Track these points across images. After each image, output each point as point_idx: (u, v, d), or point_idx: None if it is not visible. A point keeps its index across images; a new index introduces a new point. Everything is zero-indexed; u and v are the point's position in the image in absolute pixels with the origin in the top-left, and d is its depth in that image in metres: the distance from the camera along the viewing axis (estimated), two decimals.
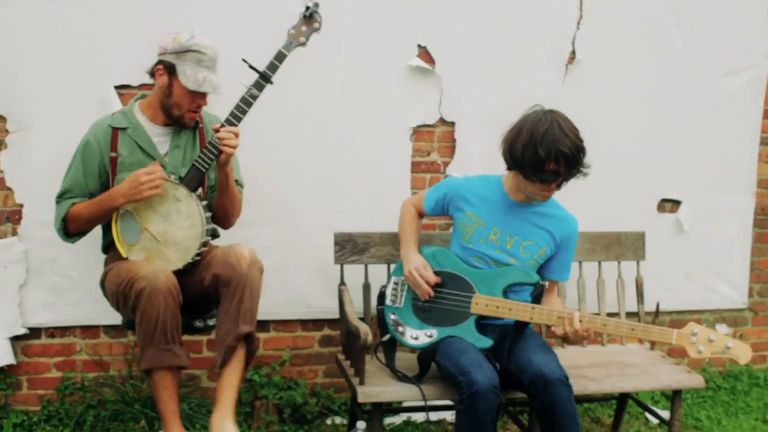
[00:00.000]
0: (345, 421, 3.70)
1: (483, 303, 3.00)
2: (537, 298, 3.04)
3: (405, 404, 3.71)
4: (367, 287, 3.42)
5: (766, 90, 4.22)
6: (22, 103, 3.40)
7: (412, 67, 3.74)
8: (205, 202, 3.02)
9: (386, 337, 3.12)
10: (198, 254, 3.00)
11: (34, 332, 3.54)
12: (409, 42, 3.75)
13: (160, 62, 3.00)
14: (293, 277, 3.72)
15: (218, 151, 2.96)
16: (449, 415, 3.80)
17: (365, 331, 2.93)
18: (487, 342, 2.97)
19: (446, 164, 3.88)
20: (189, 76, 2.93)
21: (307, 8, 3.03)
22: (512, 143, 2.90)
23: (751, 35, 4.15)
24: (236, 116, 2.98)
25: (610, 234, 3.66)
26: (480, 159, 3.83)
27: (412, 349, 3.11)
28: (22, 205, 3.46)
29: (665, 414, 3.67)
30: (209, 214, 3.03)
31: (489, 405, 2.68)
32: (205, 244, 3.02)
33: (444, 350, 2.92)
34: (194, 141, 3.14)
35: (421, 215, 3.27)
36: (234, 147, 2.96)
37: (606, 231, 3.66)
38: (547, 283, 3.08)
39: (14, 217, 3.46)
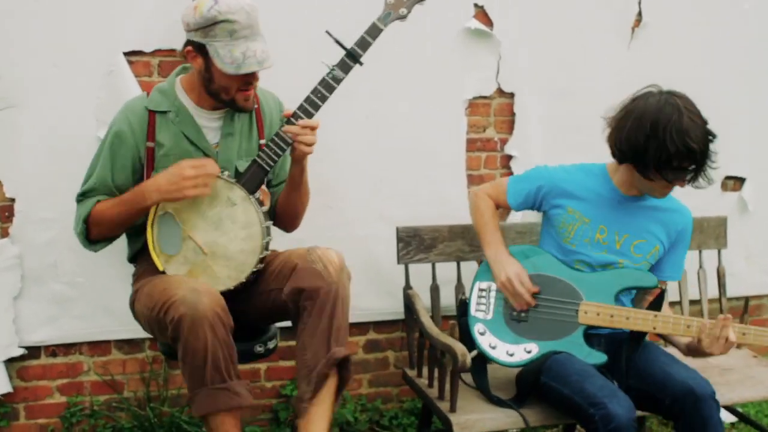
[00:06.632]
0: None
1: (593, 311, 2.56)
2: (655, 305, 2.61)
3: None
4: (435, 290, 2.94)
5: None
6: (10, 75, 2.75)
7: (469, 30, 3.23)
8: (265, 208, 2.45)
9: (473, 354, 2.63)
10: (253, 272, 2.45)
11: (32, 351, 2.93)
12: (465, 1, 3.23)
13: (188, 42, 2.38)
14: None
15: (288, 145, 2.40)
16: None
17: (462, 351, 2.44)
18: (600, 357, 2.54)
19: (503, 141, 3.39)
20: (224, 56, 2.30)
21: None
22: (630, 133, 2.44)
23: None
24: (313, 103, 2.39)
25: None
26: (541, 135, 3.38)
27: (507, 368, 2.66)
28: (13, 200, 2.83)
29: None
30: (270, 223, 2.47)
31: None
32: (262, 260, 2.46)
33: (556, 371, 2.47)
34: (250, 127, 2.56)
35: (498, 208, 2.80)
36: (311, 145, 2.39)
37: None
38: (666, 287, 2.67)
39: (3, 214, 2.83)
